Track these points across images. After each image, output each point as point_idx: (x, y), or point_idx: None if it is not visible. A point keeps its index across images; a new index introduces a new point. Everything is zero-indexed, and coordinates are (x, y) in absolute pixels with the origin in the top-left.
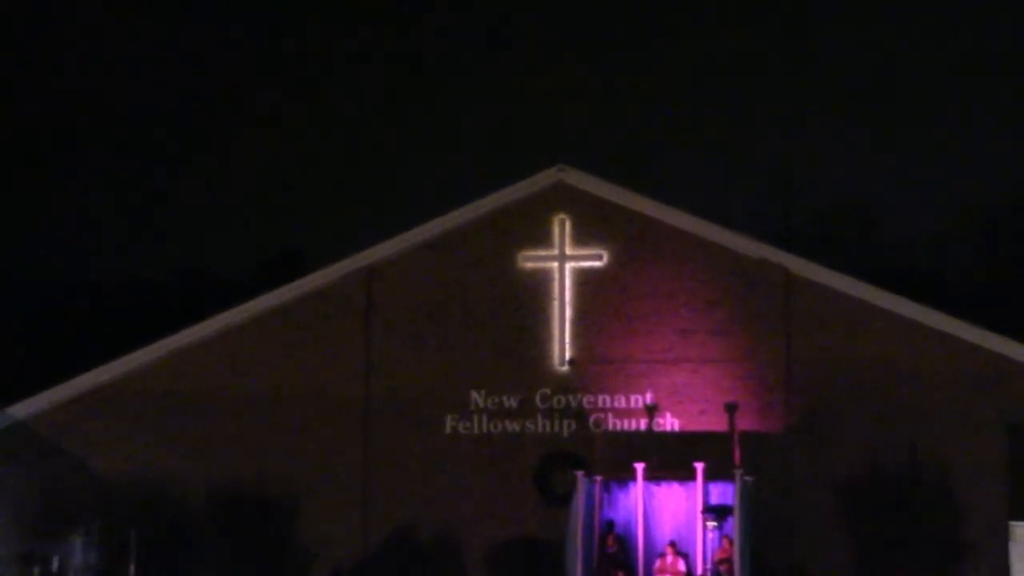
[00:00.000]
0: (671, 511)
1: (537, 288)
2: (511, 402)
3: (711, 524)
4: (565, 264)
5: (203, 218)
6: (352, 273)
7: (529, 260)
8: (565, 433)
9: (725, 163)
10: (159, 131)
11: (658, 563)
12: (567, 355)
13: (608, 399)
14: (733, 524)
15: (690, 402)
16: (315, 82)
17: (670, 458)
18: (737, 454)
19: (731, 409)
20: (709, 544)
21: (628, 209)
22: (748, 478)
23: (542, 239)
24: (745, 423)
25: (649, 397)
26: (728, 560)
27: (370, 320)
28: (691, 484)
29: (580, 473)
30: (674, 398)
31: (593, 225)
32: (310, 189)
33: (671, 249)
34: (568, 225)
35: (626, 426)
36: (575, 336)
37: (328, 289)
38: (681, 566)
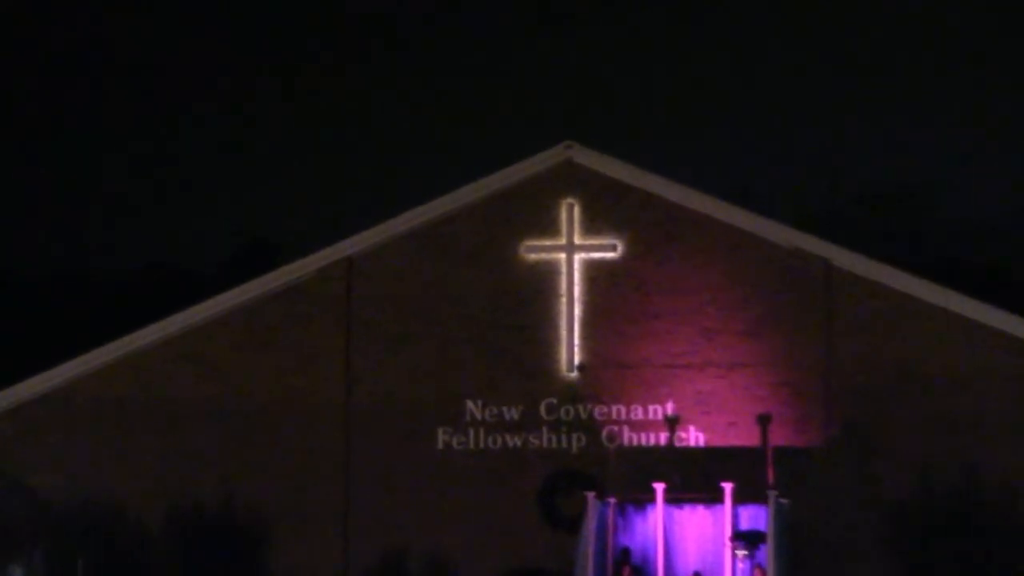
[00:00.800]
0: (695, 538)
1: (542, 283)
2: (512, 413)
3: (741, 552)
4: (574, 255)
5: (165, 205)
6: (331, 266)
7: (532, 251)
8: (574, 448)
9: (757, 142)
10: (116, 112)
11: None
12: (576, 360)
13: (623, 410)
14: (766, 552)
15: (717, 413)
16: (290, 56)
17: (694, 477)
18: (771, 472)
19: (764, 421)
20: (739, 575)
21: (646, 192)
22: (783, 500)
23: (547, 227)
24: (780, 437)
25: (670, 407)
26: None
27: (351, 319)
28: (718, 507)
29: (591, 494)
30: (698, 408)
31: (605, 210)
32: (285, 173)
33: (695, 238)
34: (577, 210)
35: (643, 441)
36: (585, 338)
37: (304, 284)
38: None
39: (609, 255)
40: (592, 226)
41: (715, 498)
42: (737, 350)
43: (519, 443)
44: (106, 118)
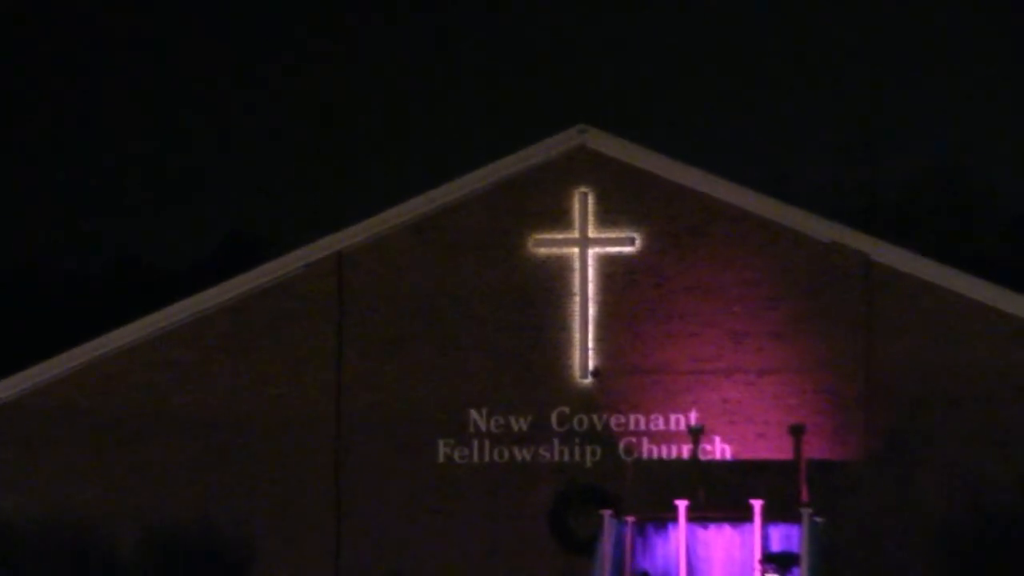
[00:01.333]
0: (721, 560)
1: (552, 280)
2: (520, 424)
3: None
4: (588, 249)
5: (136, 197)
6: (320, 261)
7: (542, 245)
8: (588, 463)
9: (788, 125)
10: (85, 94)
11: None
12: (590, 365)
13: (642, 420)
14: None
15: (745, 423)
16: (275, 34)
17: (720, 494)
18: (804, 488)
19: (797, 432)
20: None
21: (666, 181)
22: (818, 519)
23: (558, 218)
24: (815, 449)
25: (693, 417)
26: None
27: (342, 320)
28: (746, 526)
29: (607, 513)
30: (725, 418)
31: (623, 201)
32: (269, 160)
33: (722, 231)
34: (591, 200)
35: (665, 454)
36: (600, 340)
37: (290, 282)
38: None
39: (626, 249)
40: (608, 218)
41: (743, 516)
42: (768, 354)
43: (528, 456)
44: (70, 106)
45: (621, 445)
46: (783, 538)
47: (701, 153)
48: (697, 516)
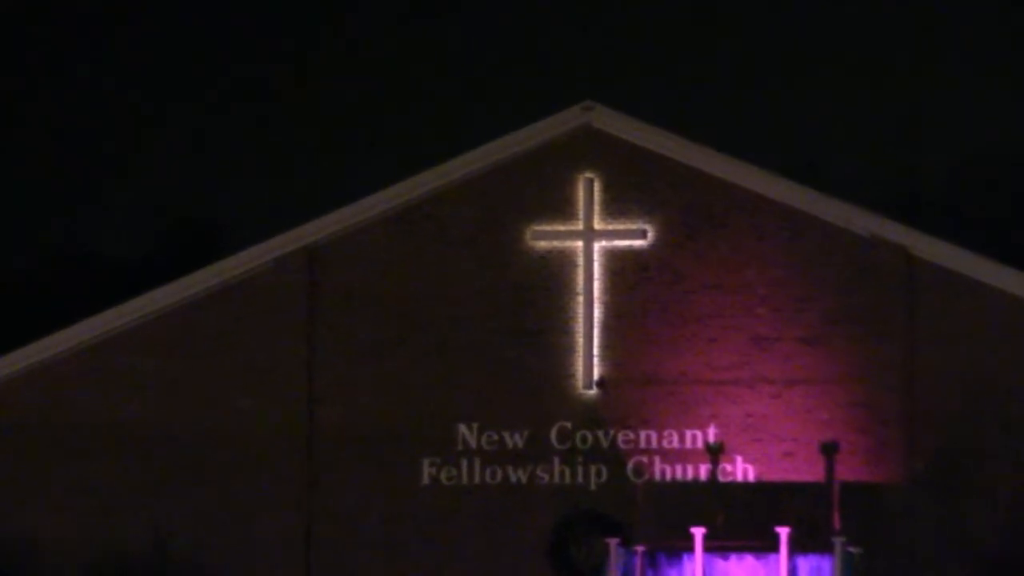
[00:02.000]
0: None
1: (553, 278)
2: (516, 440)
3: None
4: (593, 243)
5: (78, 183)
6: (289, 257)
7: (542, 237)
8: (592, 485)
9: (821, 105)
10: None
11: None
12: (595, 374)
13: (654, 436)
14: None
15: (771, 441)
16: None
17: (742, 520)
18: (837, 514)
19: (829, 451)
20: None
21: (683, 165)
22: (852, 549)
23: (560, 208)
24: (849, 470)
25: (712, 433)
26: None
27: (314, 323)
28: (771, 557)
29: (614, 541)
30: (748, 435)
31: (633, 187)
32: (232, 143)
33: (745, 223)
34: (597, 188)
35: (679, 475)
36: (607, 346)
37: (255, 279)
38: None
39: (637, 243)
40: (616, 207)
41: (768, 546)
42: (796, 362)
43: (524, 478)
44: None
45: (630, 465)
46: (813, 570)
47: (720, 137)
48: (716, 545)
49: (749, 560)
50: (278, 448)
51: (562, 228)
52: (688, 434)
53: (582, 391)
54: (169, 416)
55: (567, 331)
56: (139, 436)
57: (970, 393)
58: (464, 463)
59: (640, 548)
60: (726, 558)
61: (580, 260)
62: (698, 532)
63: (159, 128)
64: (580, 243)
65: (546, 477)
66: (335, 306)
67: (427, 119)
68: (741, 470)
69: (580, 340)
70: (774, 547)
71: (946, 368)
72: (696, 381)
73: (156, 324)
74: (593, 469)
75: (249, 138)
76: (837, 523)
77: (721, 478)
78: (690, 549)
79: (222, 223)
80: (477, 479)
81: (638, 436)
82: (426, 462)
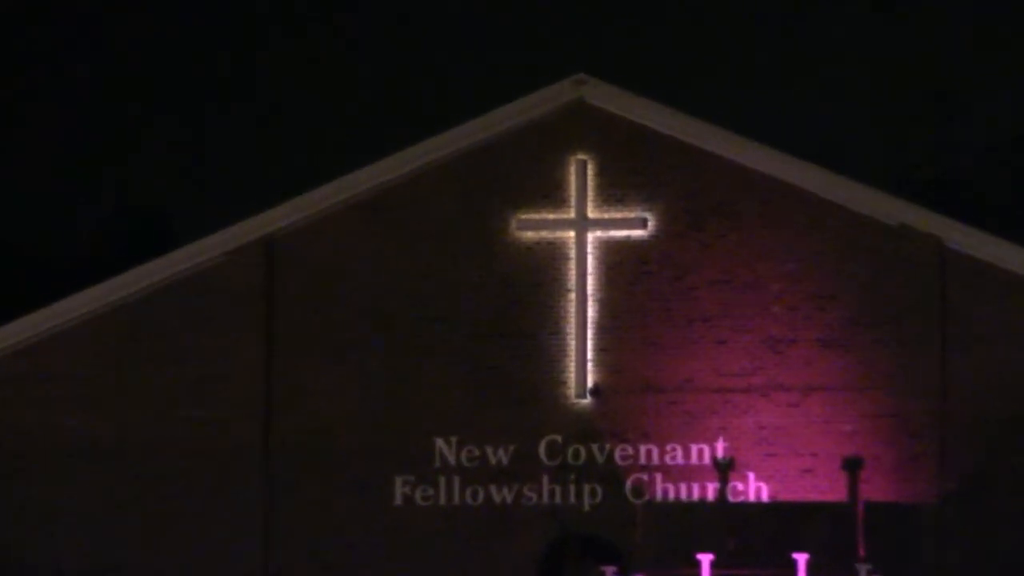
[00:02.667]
0: None
1: (542, 272)
2: (500, 456)
3: None
4: (586, 234)
5: (12, 170)
6: (245, 249)
7: (529, 227)
8: (586, 505)
9: (837, 80)
10: None
11: None
12: (589, 380)
13: (655, 451)
14: None
15: (787, 456)
16: None
17: (755, 545)
18: (861, 539)
19: (852, 467)
20: None
21: (688, 146)
22: None
23: (550, 194)
24: (875, 489)
25: (721, 448)
26: None
27: (273, 323)
28: None
29: (611, 569)
30: (761, 449)
31: (632, 171)
32: (182, 123)
33: (758, 210)
34: (591, 171)
35: (684, 495)
36: (602, 350)
37: (207, 274)
38: None
39: (636, 233)
40: (613, 193)
41: (784, 573)
42: (815, 367)
43: (510, 498)
44: None
45: (628, 483)
46: None
47: (728, 115)
48: (725, 574)
49: None
50: (232, 464)
51: (551, 216)
52: (694, 448)
53: (574, 400)
54: (110, 428)
55: (557, 333)
56: (77, 451)
57: (1009, 400)
58: (442, 481)
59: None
60: None
61: (572, 252)
62: (705, 559)
63: (106, 117)
64: (572, 233)
65: (534, 497)
66: (296, 304)
67: (402, 96)
68: (753, 489)
69: (572, 343)
70: (791, 574)
71: (983, 374)
72: (703, 389)
73: (96, 325)
74: (587, 488)
75: (208, 123)
76: (862, 548)
77: (731, 498)
78: None
79: (168, 214)
80: (456, 499)
81: (637, 451)
82: (399, 480)
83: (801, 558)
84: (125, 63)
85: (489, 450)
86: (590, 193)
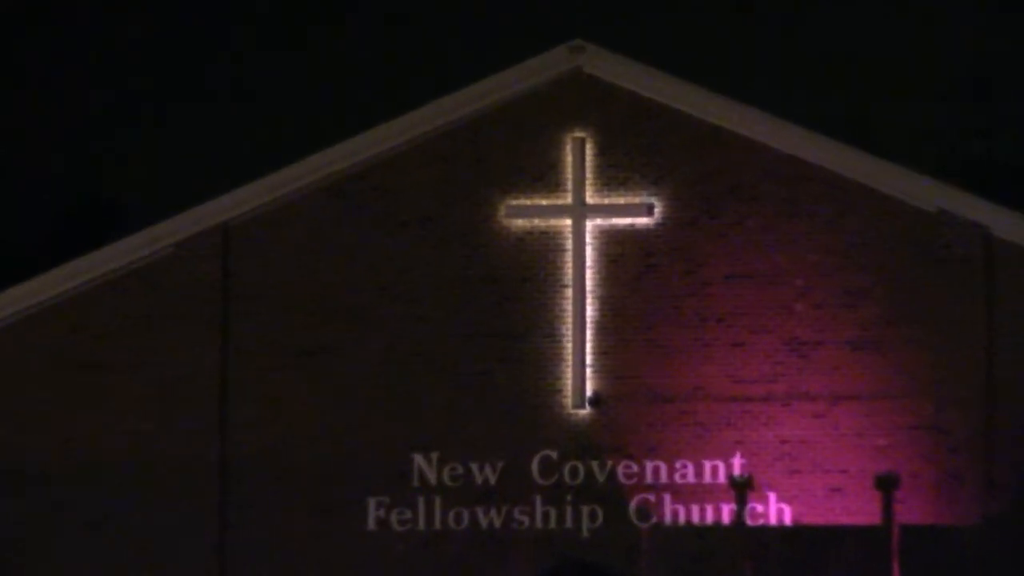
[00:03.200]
0: None
1: (534, 266)
2: (487, 474)
3: None
4: (585, 222)
5: None
6: (197, 238)
7: (520, 214)
8: (585, 530)
9: (878, 55)
10: None
11: None
12: (588, 388)
13: (663, 468)
14: None
15: (812, 473)
16: None
17: (776, 574)
18: (896, 565)
19: (886, 485)
20: None
21: (700, 122)
22: None
23: (543, 176)
24: (912, 510)
25: (738, 464)
26: None
27: (230, 323)
28: None
29: None
30: (783, 465)
31: (636, 150)
32: (128, 103)
33: (780, 195)
34: (590, 150)
35: (696, 518)
36: (603, 353)
37: (154, 269)
38: None
39: (641, 221)
40: (615, 175)
41: None
42: (845, 373)
43: (498, 521)
44: None
45: (633, 505)
46: None
47: (744, 87)
48: None
49: None
50: (184, 483)
51: (545, 202)
52: (707, 465)
53: (571, 411)
54: (49, 445)
55: (552, 334)
56: (11, 468)
57: None
58: (421, 503)
59: None
60: None
61: (568, 243)
62: None
63: (57, 103)
64: (568, 221)
65: (526, 521)
66: (256, 302)
67: (377, 67)
68: (774, 511)
69: (569, 345)
70: None
71: None
72: (717, 397)
73: (32, 324)
74: (585, 510)
75: (144, 96)
76: (897, 574)
77: (749, 521)
78: None
79: (114, 200)
80: (438, 524)
81: (643, 468)
82: (373, 502)
83: None
84: (65, 39)
85: (474, 467)
86: (589, 175)
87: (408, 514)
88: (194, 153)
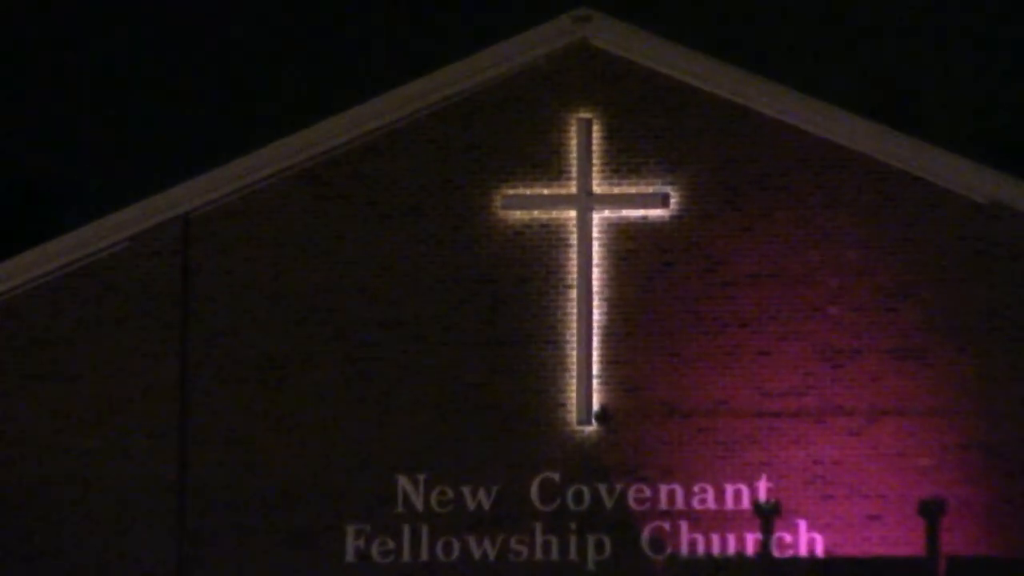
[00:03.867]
0: None
1: (534, 263)
2: (480, 498)
3: None
4: (592, 214)
5: None
6: (153, 232)
7: (518, 205)
8: (591, 562)
9: (921, 21)
10: None
11: None
12: (595, 402)
13: (679, 492)
14: None
15: (848, 498)
16: None
17: None
18: None
19: (932, 512)
20: None
21: (722, 101)
22: None
23: (545, 163)
24: (960, 540)
25: (764, 488)
26: None
27: (189, 327)
28: None
29: None
30: (816, 489)
31: (650, 133)
32: (76, 82)
33: (810, 184)
34: (598, 133)
35: (717, 548)
36: (612, 361)
37: (103, 264)
38: None
39: (655, 214)
40: (625, 161)
41: None
42: (886, 384)
43: (493, 552)
44: None
45: (646, 534)
46: None
47: (772, 62)
48: None
49: None
50: (139, 509)
51: (546, 192)
52: (729, 489)
53: (576, 427)
54: None
55: (554, 341)
56: None
57: None
58: (406, 531)
59: None
60: None
61: (573, 238)
62: None
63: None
64: (573, 213)
65: (524, 551)
66: (220, 304)
67: (360, 39)
68: (805, 540)
69: (573, 354)
70: None
71: None
72: (741, 413)
73: None
74: (592, 540)
75: (103, 76)
76: None
77: (776, 552)
78: None
79: (60, 190)
80: (425, 554)
81: (657, 492)
82: (351, 530)
83: None
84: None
85: (466, 491)
86: (596, 161)
87: (391, 544)
88: (152, 136)
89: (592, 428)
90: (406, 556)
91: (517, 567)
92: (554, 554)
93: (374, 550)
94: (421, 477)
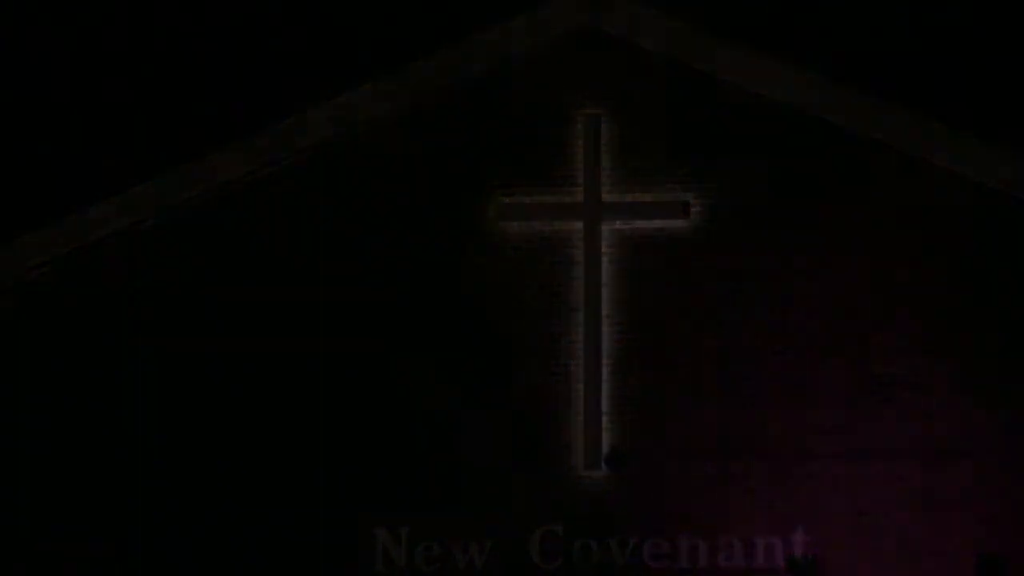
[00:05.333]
0: None
1: (535, 281)
2: (472, 554)
3: None
4: (600, 225)
5: None
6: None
7: (517, 215)
8: None
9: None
10: None
11: None
12: (605, 442)
13: (703, 547)
14: None
15: (898, 553)
16: None
17: None
18: None
19: (993, 570)
20: None
21: (748, 95)
22: None
23: (547, 167)
24: None
25: (800, 542)
26: None
27: (136, 339)
28: None
29: None
30: (860, 541)
31: (667, 133)
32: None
33: (852, 189)
34: (608, 132)
35: None
36: (623, 396)
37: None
38: None
39: (673, 224)
40: (639, 165)
41: None
42: (942, 420)
43: None
44: None
45: None
46: None
47: (811, 56)
48: None
49: None
50: None
51: (549, 199)
52: (759, 543)
53: (583, 472)
54: None
55: (558, 371)
56: None
57: None
58: None
59: None
60: None
61: (579, 253)
62: None
63: None
64: (579, 225)
65: None
66: (168, 312)
67: (342, 23)
68: None
69: (579, 385)
70: None
71: None
72: (773, 454)
73: None
74: None
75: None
76: None
77: None
78: None
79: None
80: None
81: (676, 547)
82: None
83: None
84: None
85: (455, 546)
86: (605, 165)
87: None
88: (105, 123)
89: (601, 473)
90: None
91: None
92: None
93: None
94: (403, 531)
